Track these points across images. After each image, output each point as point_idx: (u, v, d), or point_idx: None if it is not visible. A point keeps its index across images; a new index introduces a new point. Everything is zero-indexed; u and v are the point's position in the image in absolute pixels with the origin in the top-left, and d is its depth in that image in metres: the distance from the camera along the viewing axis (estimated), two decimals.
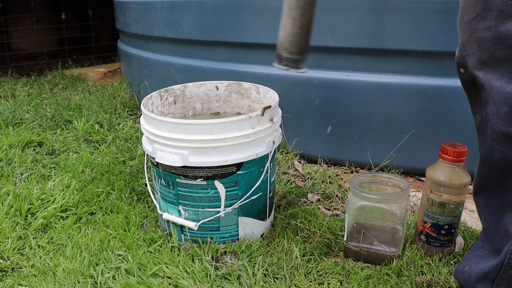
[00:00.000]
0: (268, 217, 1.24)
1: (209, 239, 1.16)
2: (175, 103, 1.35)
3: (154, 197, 1.24)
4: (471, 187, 1.54)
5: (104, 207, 1.39)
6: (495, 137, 0.73)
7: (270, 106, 1.10)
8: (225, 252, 1.15)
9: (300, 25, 1.02)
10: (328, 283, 1.06)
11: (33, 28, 3.98)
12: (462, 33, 0.75)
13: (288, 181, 1.56)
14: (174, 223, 1.17)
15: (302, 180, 1.57)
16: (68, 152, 1.80)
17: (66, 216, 1.35)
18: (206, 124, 1.03)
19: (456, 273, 0.92)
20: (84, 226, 1.30)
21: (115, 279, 1.08)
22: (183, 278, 1.05)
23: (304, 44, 1.03)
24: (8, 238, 1.23)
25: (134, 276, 1.07)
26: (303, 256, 1.14)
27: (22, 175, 1.60)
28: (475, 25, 0.72)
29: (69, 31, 4.39)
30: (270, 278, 1.07)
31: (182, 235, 1.18)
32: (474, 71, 0.74)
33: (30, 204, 1.37)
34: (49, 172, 1.62)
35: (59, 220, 1.33)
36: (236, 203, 1.13)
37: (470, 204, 1.43)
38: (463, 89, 0.81)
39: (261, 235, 1.23)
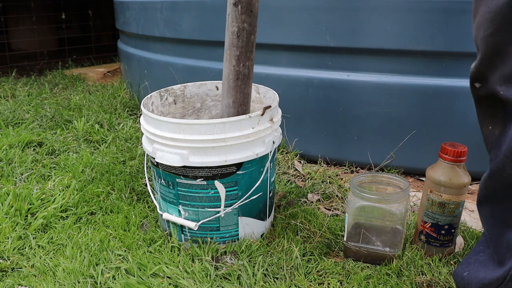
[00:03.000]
0: (268, 217, 1.24)
1: (209, 239, 1.16)
2: (175, 103, 1.35)
3: (154, 197, 1.24)
4: (471, 187, 1.54)
5: (104, 207, 1.39)
6: (509, 154, 0.72)
7: (270, 106, 1.10)
8: (225, 252, 1.15)
9: None
10: (328, 283, 1.06)
11: (33, 28, 3.98)
12: (481, 48, 0.74)
13: (288, 181, 1.56)
14: (174, 223, 1.17)
15: (302, 180, 1.57)
16: (68, 152, 1.80)
17: (66, 216, 1.35)
18: (206, 124, 1.03)
19: (455, 276, 0.92)
20: (84, 226, 1.30)
21: (115, 279, 1.08)
22: (183, 278, 1.05)
23: None
24: (8, 238, 1.23)
25: (134, 276, 1.07)
26: (303, 256, 1.14)
27: (22, 175, 1.60)
28: (495, 40, 0.71)
29: (69, 31, 4.39)
30: (270, 278, 1.07)
31: (182, 235, 1.18)
32: (495, 86, 0.73)
33: (30, 204, 1.37)
34: (49, 172, 1.62)
35: (59, 220, 1.33)
36: (236, 203, 1.13)
37: (470, 204, 1.43)
38: (474, 101, 0.81)
39: (261, 235, 1.23)
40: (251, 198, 1.14)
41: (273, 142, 1.13)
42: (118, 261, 1.13)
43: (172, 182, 1.11)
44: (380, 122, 1.57)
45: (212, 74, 1.87)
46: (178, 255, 1.14)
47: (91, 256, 1.15)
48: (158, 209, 1.21)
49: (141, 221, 1.32)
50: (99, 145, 1.89)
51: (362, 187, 1.11)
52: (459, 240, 1.19)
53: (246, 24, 1.08)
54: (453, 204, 1.08)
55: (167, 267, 1.09)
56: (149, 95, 1.25)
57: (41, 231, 1.29)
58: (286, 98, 1.57)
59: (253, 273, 1.07)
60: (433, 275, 1.06)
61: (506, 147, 0.73)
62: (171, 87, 1.34)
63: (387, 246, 1.11)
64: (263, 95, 1.32)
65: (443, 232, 1.11)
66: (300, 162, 1.70)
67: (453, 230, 1.11)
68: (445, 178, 1.06)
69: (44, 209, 1.36)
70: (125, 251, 1.17)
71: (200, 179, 1.08)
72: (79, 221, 1.34)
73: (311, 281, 1.06)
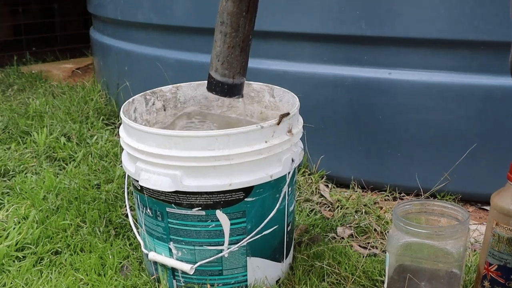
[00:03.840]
0: (286, 258, 1.25)
1: (209, 286, 1.17)
2: (164, 110, 1.36)
3: (138, 232, 1.25)
4: None
5: (72, 245, 1.40)
6: None
7: (288, 114, 1.11)
8: None
9: (232, 43, 1.08)
10: None
11: None
12: None
13: (312, 210, 1.56)
14: (164, 266, 1.18)
15: (329, 210, 1.58)
16: (25, 173, 1.82)
17: (23, 256, 1.36)
18: (205, 136, 1.04)
19: None
20: (46, 269, 1.31)
21: None
22: None
23: (237, 66, 1.08)
24: None
25: None
26: None
27: None
28: None
29: (27, 16, 4.42)
30: None
31: (174, 281, 1.19)
32: None
33: None
34: (1, 199, 1.64)
35: (13, 261, 1.34)
36: (244, 240, 1.13)
37: None
38: None
39: (277, 281, 1.23)
40: (263, 233, 1.15)
41: (292, 160, 1.14)
42: None
43: (160, 212, 1.13)
44: (431, 133, 1.57)
45: None
46: None
47: None
48: (142, 247, 1.22)
49: (121, 262, 1.33)
50: (66, 164, 1.91)
51: (408, 219, 1.12)
52: None
53: None
54: None
55: None
56: (130, 99, 1.26)
57: None
58: (309, 103, 1.57)
59: None
60: None
61: None
62: (159, 88, 1.35)
63: None
64: (279, 99, 1.33)
65: None
66: (327, 186, 1.71)
67: None
68: None
69: None
70: None
71: (197, 208, 1.09)
72: (39, 263, 1.35)
73: None
